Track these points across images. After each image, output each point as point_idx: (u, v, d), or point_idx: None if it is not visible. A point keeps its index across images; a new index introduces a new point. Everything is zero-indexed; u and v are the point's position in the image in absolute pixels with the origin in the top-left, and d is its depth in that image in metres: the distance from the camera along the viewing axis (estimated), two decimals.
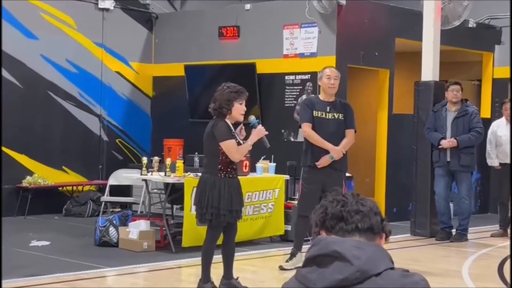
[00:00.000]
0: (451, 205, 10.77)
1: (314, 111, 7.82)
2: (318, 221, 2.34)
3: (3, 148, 11.58)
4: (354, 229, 2.29)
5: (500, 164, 10.75)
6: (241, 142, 6.64)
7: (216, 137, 6.52)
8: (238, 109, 6.56)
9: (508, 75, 13.36)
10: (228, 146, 6.50)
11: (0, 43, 11.02)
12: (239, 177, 6.85)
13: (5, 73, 11.64)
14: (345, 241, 2.24)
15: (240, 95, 6.57)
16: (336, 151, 7.66)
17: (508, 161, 10.65)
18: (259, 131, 6.72)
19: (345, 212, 2.31)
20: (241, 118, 6.67)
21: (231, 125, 6.61)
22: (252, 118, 6.78)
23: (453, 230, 10.23)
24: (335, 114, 7.80)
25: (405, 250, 9.57)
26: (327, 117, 7.80)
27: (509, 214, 10.76)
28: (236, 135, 6.63)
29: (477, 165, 12.94)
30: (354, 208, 2.31)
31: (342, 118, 7.80)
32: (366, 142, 12.69)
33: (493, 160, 10.82)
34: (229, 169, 6.60)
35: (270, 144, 11.13)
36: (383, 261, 2.23)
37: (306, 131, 7.81)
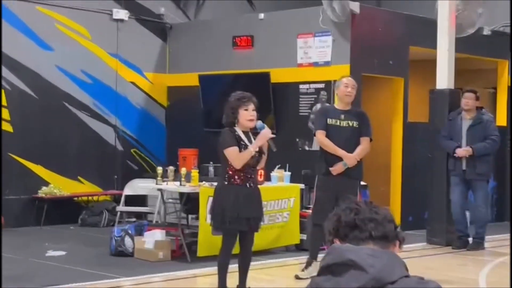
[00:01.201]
0: (468, 213, 10.71)
1: (328, 119, 7.82)
2: (331, 229, 2.33)
3: (19, 159, 11.64)
4: (368, 237, 2.28)
5: None
6: (252, 150, 6.56)
7: (220, 145, 6.57)
8: (244, 116, 6.55)
9: None
10: (228, 153, 6.52)
11: (0, 43, 11.12)
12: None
13: (20, 84, 11.72)
14: (359, 249, 2.23)
15: (244, 102, 6.56)
16: (349, 158, 7.64)
17: None
18: (263, 135, 6.57)
19: (358, 220, 2.30)
20: (250, 124, 6.59)
21: (240, 133, 6.60)
22: (258, 123, 6.65)
23: (470, 239, 10.16)
24: (349, 122, 7.79)
25: (421, 259, 9.52)
26: (341, 124, 7.79)
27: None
28: (245, 142, 6.57)
29: (493, 173, 12.91)
30: (367, 216, 2.30)
31: (357, 126, 7.79)
32: (381, 151, 12.65)
33: None
34: (236, 177, 6.56)
35: (285, 153, 11.25)
36: (398, 269, 2.22)
37: (320, 138, 7.81)
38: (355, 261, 2.17)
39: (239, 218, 6.52)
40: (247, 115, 6.55)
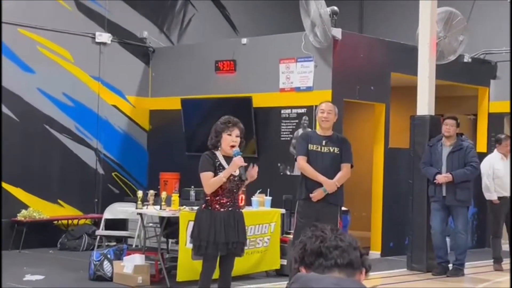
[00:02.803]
0: (448, 239, 10.73)
1: (309, 145, 7.83)
2: (297, 257, 2.32)
3: None
4: (334, 264, 2.26)
5: (499, 198, 10.73)
6: (222, 177, 6.53)
7: (199, 169, 6.59)
8: (226, 141, 6.58)
9: (503, 110, 13.40)
10: (201, 178, 6.59)
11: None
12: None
13: (1, 106, 11.66)
14: (323, 278, 2.21)
15: (228, 127, 6.60)
16: (329, 184, 7.64)
17: (506, 194, 10.65)
18: (234, 163, 6.53)
19: (324, 247, 2.28)
20: (230, 151, 6.59)
21: (221, 157, 6.60)
22: (234, 150, 6.61)
23: (450, 265, 10.17)
24: (330, 148, 7.80)
25: (401, 285, 9.51)
26: (322, 150, 7.79)
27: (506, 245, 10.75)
28: (223, 167, 6.56)
29: (474, 200, 12.94)
30: (333, 243, 2.28)
31: (338, 152, 7.79)
32: (363, 176, 12.68)
33: (492, 194, 10.78)
34: (215, 201, 6.57)
35: (267, 177, 11.23)
36: None
37: (301, 163, 7.81)
38: None
39: (216, 243, 6.51)
40: (229, 140, 6.57)
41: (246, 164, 6.65)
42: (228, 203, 6.61)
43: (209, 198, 6.60)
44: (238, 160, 6.52)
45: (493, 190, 10.78)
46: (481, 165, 10.72)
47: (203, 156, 6.65)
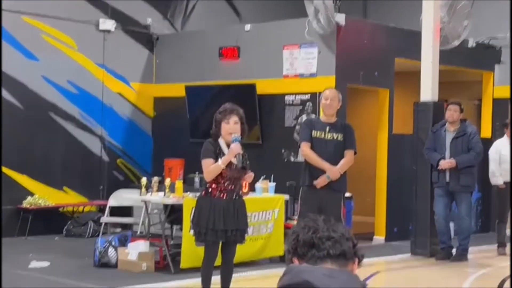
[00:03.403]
0: (452, 224, 10.75)
1: (313, 131, 7.84)
2: (290, 248, 2.33)
3: (5, 169, 11.60)
4: (326, 255, 2.27)
5: (505, 182, 10.76)
6: (220, 164, 6.55)
7: (200, 155, 6.65)
8: (225, 129, 6.61)
9: (508, 95, 13.37)
10: (202, 165, 6.63)
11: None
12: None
13: (6, 94, 11.70)
14: (316, 269, 2.22)
15: (226, 115, 6.62)
16: (332, 171, 7.65)
17: None
18: (231, 150, 6.53)
19: (316, 238, 2.29)
20: (230, 138, 6.59)
21: (223, 145, 6.63)
22: (232, 136, 6.59)
23: (453, 250, 10.20)
24: (334, 134, 7.80)
25: (405, 271, 9.56)
26: (326, 137, 7.80)
27: (509, 230, 10.77)
28: (223, 154, 6.59)
29: (478, 185, 12.95)
30: (325, 234, 2.30)
31: (342, 139, 7.80)
32: (367, 162, 12.69)
33: (498, 178, 10.79)
34: (215, 188, 6.61)
35: (271, 164, 11.26)
36: None
37: (304, 150, 7.83)
38: (311, 282, 2.16)
39: (214, 230, 6.56)
40: (227, 128, 6.59)
41: (242, 151, 6.62)
42: (228, 191, 6.64)
43: (209, 185, 6.65)
44: (235, 147, 6.51)
45: (498, 175, 10.79)
46: (490, 150, 10.74)
47: (205, 143, 6.69)
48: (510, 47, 12.93)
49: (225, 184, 6.62)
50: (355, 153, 7.91)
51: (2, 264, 8.20)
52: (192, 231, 6.87)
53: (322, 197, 7.67)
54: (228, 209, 6.61)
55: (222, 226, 6.56)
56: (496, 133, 13.67)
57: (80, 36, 12.54)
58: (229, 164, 6.58)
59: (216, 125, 6.65)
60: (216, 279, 6.91)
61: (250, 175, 6.79)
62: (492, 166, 10.86)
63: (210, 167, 6.56)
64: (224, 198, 6.62)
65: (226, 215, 6.58)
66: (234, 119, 6.60)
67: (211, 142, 6.66)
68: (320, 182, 7.67)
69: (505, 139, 10.96)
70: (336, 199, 7.71)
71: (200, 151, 6.77)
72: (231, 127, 6.58)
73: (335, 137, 7.77)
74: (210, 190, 6.65)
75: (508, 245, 10.71)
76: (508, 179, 10.74)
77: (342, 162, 7.73)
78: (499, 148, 10.88)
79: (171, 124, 13.32)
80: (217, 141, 6.66)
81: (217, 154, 6.60)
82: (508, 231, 11.22)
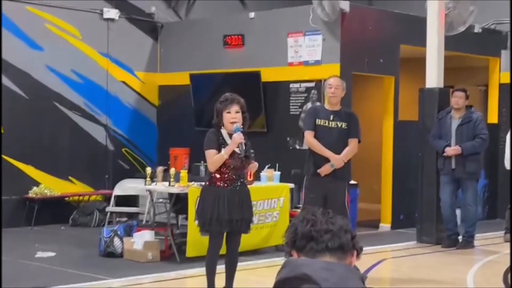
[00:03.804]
0: (458, 212, 10.73)
1: (317, 119, 7.80)
2: (289, 241, 2.32)
3: (10, 159, 11.62)
4: (324, 248, 2.27)
5: None
6: (224, 154, 6.55)
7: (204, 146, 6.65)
8: (227, 119, 6.59)
9: None
10: (206, 155, 6.63)
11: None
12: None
13: (10, 84, 11.70)
14: (314, 262, 2.21)
15: (226, 104, 6.59)
16: (336, 159, 7.62)
17: None
18: (233, 140, 6.52)
19: (314, 231, 2.28)
20: (231, 128, 6.57)
21: (226, 135, 6.62)
22: (234, 126, 6.58)
23: (460, 237, 10.18)
24: (338, 123, 7.77)
25: (411, 258, 9.54)
26: (330, 125, 7.77)
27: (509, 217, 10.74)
28: (226, 144, 6.57)
29: (485, 171, 12.94)
30: (323, 227, 2.28)
31: (346, 128, 7.76)
32: (373, 149, 12.66)
33: (508, 163, 10.79)
34: (219, 178, 6.61)
35: (276, 152, 11.25)
36: (353, 282, 2.21)
37: (308, 138, 7.80)
38: (309, 275, 2.16)
39: (219, 220, 6.56)
40: (229, 118, 6.58)
41: (244, 140, 6.59)
42: (232, 180, 6.63)
43: (213, 175, 6.63)
44: (237, 136, 6.49)
45: (509, 160, 10.79)
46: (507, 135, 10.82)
47: (208, 133, 6.68)
48: (510, 42, 12.82)
49: (229, 174, 6.61)
50: (359, 141, 7.87)
51: (2, 256, 8.21)
52: (196, 222, 6.87)
53: (326, 186, 7.65)
54: (233, 198, 6.60)
55: (227, 216, 6.55)
56: (503, 119, 13.63)
57: (84, 25, 12.53)
58: (232, 154, 6.56)
59: (218, 115, 6.64)
60: (221, 268, 6.91)
61: (254, 165, 6.78)
62: (507, 151, 10.88)
63: (213, 158, 6.55)
64: (228, 187, 6.61)
65: (230, 205, 6.57)
66: (235, 108, 6.58)
67: (214, 132, 6.65)
68: (324, 170, 7.64)
69: None
70: (341, 187, 7.69)
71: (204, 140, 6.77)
72: (232, 116, 6.56)
73: (339, 125, 7.74)
74: (213, 180, 6.64)
75: None
76: None
77: (346, 150, 7.70)
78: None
79: (176, 112, 13.30)
80: (219, 131, 6.65)
81: (220, 144, 6.59)
82: None
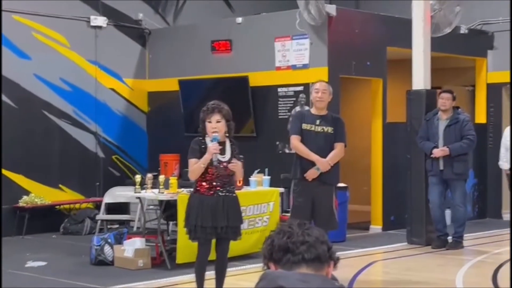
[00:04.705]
0: (448, 212, 10.78)
1: (303, 124, 7.84)
2: (266, 253, 2.35)
3: None
4: (301, 260, 2.29)
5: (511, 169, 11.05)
6: (220, 160, 6.67)
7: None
8: (208, 128, 6.67)
9: (501, 80, 13.41)
10: (188, 164, 6.70)
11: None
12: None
13: None
14: (290, 275, 2.24)
15: (207, 114, 6.66)
16: (322, 163, 7.65)
17: None
18: (209, 150, 6.61)
19: (291, 243, 2.31)
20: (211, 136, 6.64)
21: (208, 143, 6.66)
22: (212, 136, 6.66)
23: (449, 238, 10.23)
24: (324, 127, 7.80)
25: (401, 260, 9.58)
26: (316, 130, 7.80)
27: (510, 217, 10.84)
28: (205, 152, 6.62)
29: (474, 171, 13.02)
30: (300, 239, 2.31)
31: (332, 132, 7.79)
32: (362, 151, 12.73)
33: (502, 163, 11.19)
34: (204, 185, 6.67)
35: (265, 156, 11.28)
36: None
37: (294, 143, 7.84)
38: (286, 287, 2.19)
39: (203, 227, 6.61)
40: (210, 128, 6.63)
41: (218, 152, 6.63)
42: (217, 188, 6.68)
43: (198, 182, 6.70)
44: (212, 147, 6.57)
45: (504, 160, 11.06)
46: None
47: (192, 142, 6.78)
48: (510, 35, 12.87)
49: (213, 182, 6.66)
50: (345, 145, 7.90)
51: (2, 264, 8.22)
52: (185, 229, 6.92)
53: (314, 190, 7.68)
54: (217, 205, 6.65)
55: (210, 223, 6.61)
56: (491, 119, 13.70)
57: (72, 33, 12.53)
58: (211, 162, 6.61)
59: (201, 123, 6.70)
60: (211, 274, 6.95)
61: (233, 164, 6.75)
62: (501, 151, 11.28)
63: (193, 167, 6.63)
64: (213, 195, 6.65)
65: (214, 212, 6.63)
66: (216, 117, 6.62)
67: (197, 141, 6.73)
68: (310, 174, 7.67)
69: None
70: (328, 191, 7.72)
71: None
72: (213, 126, 6.61)
73: (325, 130, 7.77)
74: (198, 187, 6.71)
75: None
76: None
77: (331, 154, 7.71)
78: (506, 134, 11.27)
79: (165, 118, 13.32)
80: (204, 139, 6.71)
81: (203, 152, 6.66)
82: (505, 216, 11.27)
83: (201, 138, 6.74)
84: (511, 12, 12.70)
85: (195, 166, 6.62)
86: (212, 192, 6.68)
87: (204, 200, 6.64)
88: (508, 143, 11.03)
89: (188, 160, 6.71)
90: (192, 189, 7.98)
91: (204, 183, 6.68)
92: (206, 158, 6.60)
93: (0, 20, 11.49)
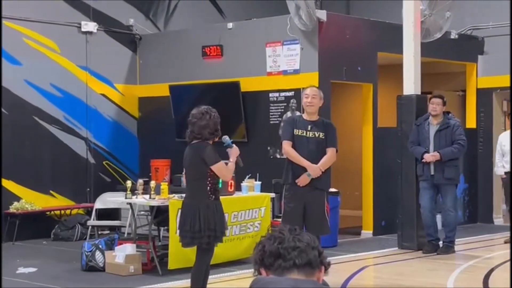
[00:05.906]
0: (439, 216, 10.80)
1: (294, 129, 7.84)
2: (257, 259, 2.35)
3: None
4: (292, 265, 2.30)
5: (505, 173, 11.12)
6: (241, 164, 7.03)
7: (206, 161, 6.64)
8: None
9: (492, 85, 13.47)
10: (220, 169, 6.69)
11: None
12: (225, 196, 7.04)
13: None
14: (282, 280, 2.25)
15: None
16: (313, 169, 7.65)
17: None
18: (236, 150, 6.91)
19: (282, 249, 2.31)
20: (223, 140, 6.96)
21: (230, 147, 6.94)
22: (226, 138, 6.86)
23: (440, 243, 10.25)
24: (316, 133, 7.81)
25: (392, 264, 9.58)
26: (307, 135, 7.81)
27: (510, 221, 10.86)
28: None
29: (465, 176, 13.05)
30: (291, 244, 2.32)
31: (323, 137, 7.79)
32: (353, 156, 12.75)
33: (498, 169, 11.30)
34: (215, 192, 6.76)
35: (256, 161, 11.28)
36: None
37: (285, 148, 7.84)
38: None
39: (222, 232, 6.83)
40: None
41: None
42: (193, 195, 6.78)
43: (211, 189, 6.74)
44: (236, 150, 6.90)
45: (500, 166, 11.17)
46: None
47: (210, 149, 6.68)
48: (511, 41, 12.92)
49: (188, 189, 6.89)
50: (336, 151, 7.90)
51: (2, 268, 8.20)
52: (204, 238, 6.84)
53: (305, 195, 7.69)
54: (194, 212, 6.70)
55: (223, 227, 6.87)
56: (482, 124, 13.75)
57: (63, 39, 12.52)
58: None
59: (219, 130, 6.81)
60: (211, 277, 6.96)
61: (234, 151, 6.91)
62: (496, 157, 11.43)
63: (229, 167, 6.81)
64: (190, 202, 6.81)
65: (192, 218, 6.71)
66: None
67: (212, 146, 6.78)
68: (301, 180, 7.68)
69: (508, 132, 11.38)
70: (319, 197, 7.72)
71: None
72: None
73: (316, 135, 7.78)
74: (215, 192, 6.80)
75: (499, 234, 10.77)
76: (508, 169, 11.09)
77: (323, 159, 7.72)
78: (500, 140, 11.36)
79: (156, 124, 13.31)
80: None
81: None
82: (497, 221, 11.31)
83: (210, 145, 6.80)
84: (511, 15, 12.72)
85: (231, 166, 6.81)
86: (218, 197, 6.84)
87: (218, 206, 6.79)
88: (504, 148, 11.10)
89: (215, 165, 6.63)
90: (183, 195, 8.00)
91: (215, 188, 6.76)
92: (233, 159, 6.84)
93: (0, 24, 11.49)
